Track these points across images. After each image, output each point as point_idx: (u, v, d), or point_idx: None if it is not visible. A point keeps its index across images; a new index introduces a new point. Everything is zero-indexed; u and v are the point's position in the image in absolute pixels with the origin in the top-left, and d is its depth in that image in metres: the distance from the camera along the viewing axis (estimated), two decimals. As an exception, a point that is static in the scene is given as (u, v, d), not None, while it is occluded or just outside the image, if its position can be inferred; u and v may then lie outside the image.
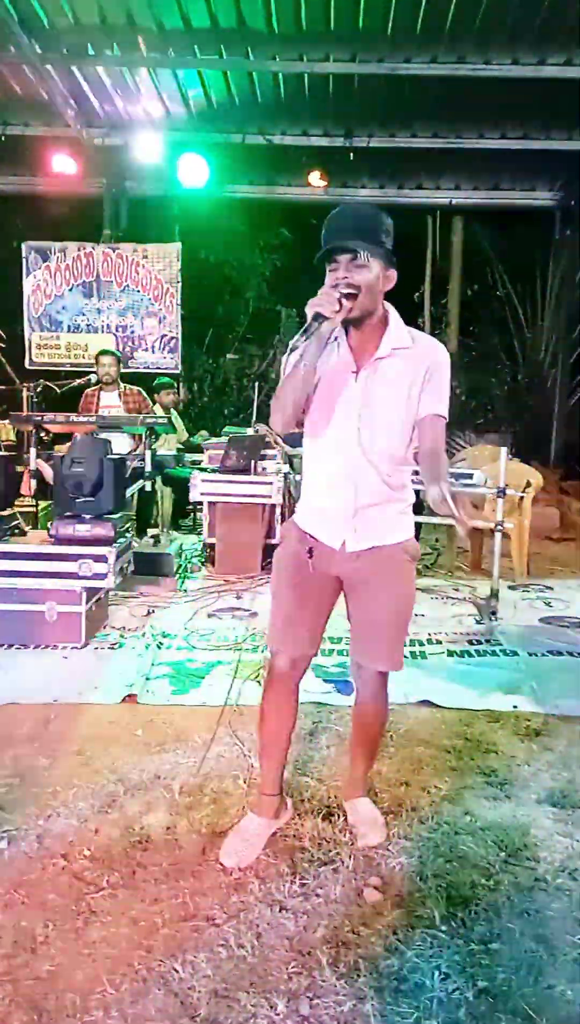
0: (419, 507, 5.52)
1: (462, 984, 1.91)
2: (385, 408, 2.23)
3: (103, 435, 6.04)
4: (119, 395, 6.72)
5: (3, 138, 8.77)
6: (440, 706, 3.53)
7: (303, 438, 2.40)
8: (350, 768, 2.68)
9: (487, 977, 1.94)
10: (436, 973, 1.94)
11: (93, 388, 6.80)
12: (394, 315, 2.26)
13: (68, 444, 5.31)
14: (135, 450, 6.13)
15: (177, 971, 1.94)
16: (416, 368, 2.22)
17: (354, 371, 2.24)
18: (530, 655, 4.24)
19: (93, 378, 6.90)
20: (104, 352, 6.95)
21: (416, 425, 2.25)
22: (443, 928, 2.11)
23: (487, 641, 4.46)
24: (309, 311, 2.13)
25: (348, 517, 2.30)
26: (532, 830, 2.58)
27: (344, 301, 2.12)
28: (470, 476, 5.45)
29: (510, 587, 5.58)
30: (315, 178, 8.97)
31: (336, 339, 2.26)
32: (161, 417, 6.60)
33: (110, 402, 6.68)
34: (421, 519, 5.48)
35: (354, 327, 2.24)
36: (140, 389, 6.90)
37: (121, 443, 6.23)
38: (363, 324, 2.22)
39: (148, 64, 7.42)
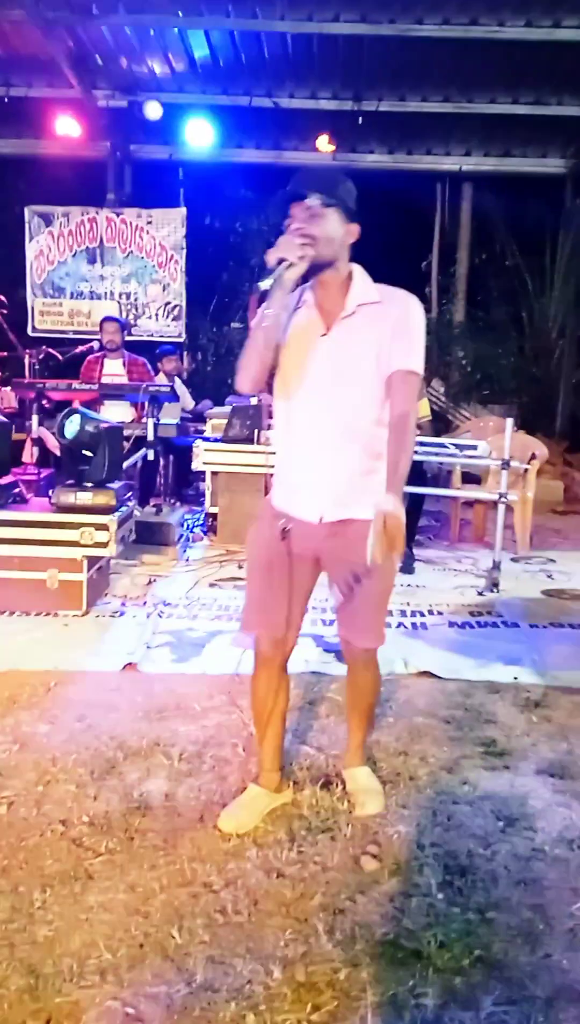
0: (422, 477, 5.51)
1: (458, 952, 1.92)
2: (355, 368, 2.17)
3: (106, 403, 6.03)
4: (123, 363, 6.67)
5: (6, 99, 8.63)
6: (440, 677, 3.53)
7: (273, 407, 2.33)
8: (347, 738, 2.68)
9: (483, 946, 1.94)
10: (432, 941, 1.94)
11: (96, 355, 6.74)
12: (359, 272, 2.22)
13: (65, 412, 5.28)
14: (137, 419, 6.09)
15: (174, 937, 1.95)
16: (384, 322, 2.15)
17: (323, 333, 2.19)
18: (531, 627, 4.24)
19: (96, 345, 6.84)
20: (108, 319, 6.89)
21: (387, 383, 2.16)
22: (440, 896, 2.12)
23: (488, 612, 4.45)
24: (271, 258, 2.09)
25: (324, 486, 2.23)
26: (530, 800, 2.58)
27: (307, 251, 2.08)
28: (474, 447, 5.41)
29: (512, 559, 5.56)
30: (323, 143, 8.82)
31: (304, 301, 2.22)
32: (164, 385, 6.55)
33: (114, 370, 6.63)
34: (424, 490, 5.48)
35: (320, 287, 2.20)
36: (145, 360, 6.85)
37: (123, 412, 6.19)
38: (328, 282, 2.19)
39: (154, 24, 7.27)
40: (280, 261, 2.07)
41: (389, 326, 2.15)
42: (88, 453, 4.27)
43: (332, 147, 8.86)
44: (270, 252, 2.10)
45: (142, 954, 1.90)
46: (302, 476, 2.28)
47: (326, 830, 2.38)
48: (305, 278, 2.17)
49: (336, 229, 2.13)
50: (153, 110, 8.40)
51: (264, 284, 2.09)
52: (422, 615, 4.37)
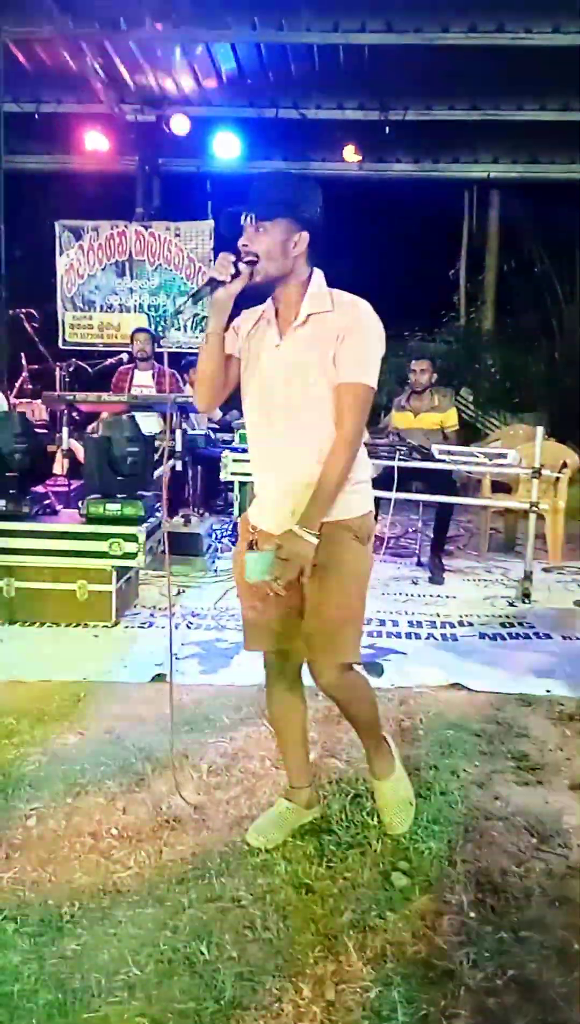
0: (452, 486, 5.45)
1: (491, 972, 1.88)
2: (306, 379, 2.11)
3: (134, 414, 6.05)
4: (153, 375, 6.71)
5: (36, 115, 8.75)
6: (471, 689, 3.48)
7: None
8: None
9: (517, 966, 1.91)
10: (465, 961, 1.91)
11: (127, 366, 6.79)
12: (316, 280, 2.15)
13: (98, 423, 5.31)
14: (165, 430, 6.11)
15: (203, 953, 1.93)
16: (330, 332, 2.09)
17: (276, 344, 2.16)
18: (564, 638, 4.17)
19: (125, 356, 6.88)
20: (140, 329, 6.94)
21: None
22: (472, 915, 2.08)
23: (520, 623, 4.40)
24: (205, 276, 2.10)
25: (282, 500, 2.16)
26: (565, 816, 2.53)
27: (241, 267, 2.06)
28: (504, 456, 5.36)
29: (544, 569, 5.49)
30: (350, 153, 8.84)
31: (264, 313, 2.20)
32: (192, 397, 6.57)
33: (143, 381, 6.66)
34: (453, 499, 5.44)
35: (278, 299, 2.17)
36: (174, 372, 6.88)
37: (151, 423, 6.22)
38: (283, 293, 2.16)
39: (181, 38, 7.34)
40: (209, 280, 2.08)
41: (335, 335, 2.08)
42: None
43: (358, 157, 8.88)
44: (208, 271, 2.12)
45: (171, 970, 1.88)
46: (264, 489, 2.26)
47: (356, 845, 2.35)
48: (262, 292, 2.17)
49: (278, 242, 2.09)
50: (180, 124, 8.48)
51: (180, 302, 2.13)
52: (452, 626, 4.33)
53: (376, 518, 5.86)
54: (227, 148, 8.78)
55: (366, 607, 2.29)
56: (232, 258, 2.07)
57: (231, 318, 2.17)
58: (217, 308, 2.10)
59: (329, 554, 2.12)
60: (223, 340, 2.17)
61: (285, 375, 2.14)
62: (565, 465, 5.93)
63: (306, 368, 2.11)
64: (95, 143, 8.87)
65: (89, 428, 6.00)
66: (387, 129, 8.57)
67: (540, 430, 5.10)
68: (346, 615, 2.22)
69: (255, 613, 2.29)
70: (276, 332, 2.17)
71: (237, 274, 2.06)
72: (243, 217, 2.09)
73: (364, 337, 2.11)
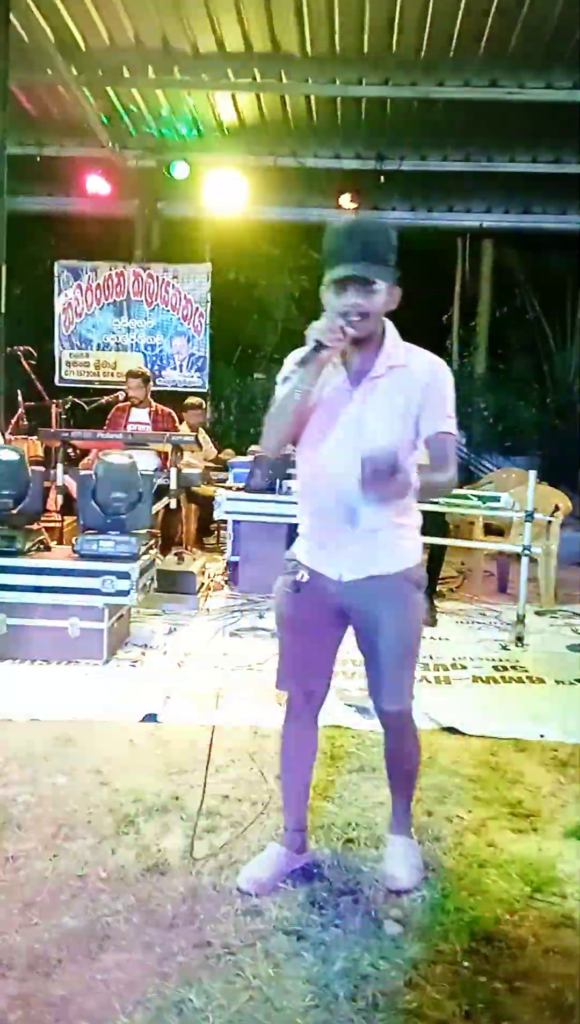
0: (444, 528, 5.48)
1: (485, 1023, 1.85)
2: (381, 430, 2.12)
3: (129, 451, 6.07)
4: (149, 413, 6.75)
5: (38, 159, 8.91)
6: (465, 733, 3.46)
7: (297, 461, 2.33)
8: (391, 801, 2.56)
9: (511, 1017, 1.87)
10: (458, 1011, 1.88)
11: (124, 404, 6.83)
12: (390, 331, 2.19)
13: (91, 459, 5.31)
14: (161, 468, 6.13)
15: (192, 1000, 1.89)
16: (411, 388, 2.14)
17: (349, 391, 2.16)
18: (557, 683, 4.16)
19: (121, 395, 6.93)
20: (132, 374, 6.98)
21: (425, 445, 2.18)
22: (466, 964, 2.05)
23: (513, 667, 4.39)
24: (309, 336, 2.08)
25: (344, 546, 2.20)
26: (559, 864, 2.50)
27: (347, 330, 2.07)
28: (497, 499, 5.39)
29: (537, 613, 5.49)
30: (346, 200, 9.01)
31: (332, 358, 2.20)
32: (188, 435, 6.61)
33: (140, 419, 6.70)
34: (446, 541, 5.46)
35: (353, 347, 2.17)
36: (171, 411, 6.92)
37: (147, 460, 6.24)
38: (361, 349, 2.17)
39: (182, 86, 7.52)
40: (317, 345, 2.07)
41: (417, 392, 2.13)
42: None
43: (355, 205, 9.05)
44: (311, 329, 2.08)
45: (159, 1017, 1.84)
46: (324, 534, 2.26)
47: (348, 892, 2.32)
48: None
49: (384, 302, 2.11)
50: (181, 170, 8.64)
51: (290, 372, 2.15)
52: (446, 669, 4.31)
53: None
54: (226, 194, 8.94)
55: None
56: (341, 322, 2.05)
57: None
58: (317, 368, 2.10)
59: (394, 603, 2.22)
60: (311, 397, 2.15)
61: (359, 424, 2.14)
62: (557, 508, 5.97)
63: (383, 419, 2.13)
64: (96, 186, 9.03)
65: (82, 464, 6.02)
66: (382, 178, 8.76)
67: (532, 474, 5.14)
68: (410, 662, 2.34)
69: (296, 648, 2.35)
70: (346, 379, 2.17)
71: (344, 337, 2.07)
72: (370, 281, 2.06)
73: (445, 391, 2.19)
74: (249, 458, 6.29)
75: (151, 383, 7.11)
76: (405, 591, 2.24)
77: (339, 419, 2.17)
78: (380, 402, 2.15)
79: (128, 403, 6.81)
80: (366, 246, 2.08)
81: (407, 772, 2.49)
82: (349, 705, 3.68)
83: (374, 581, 2.20)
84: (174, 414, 6.95)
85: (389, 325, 2.20)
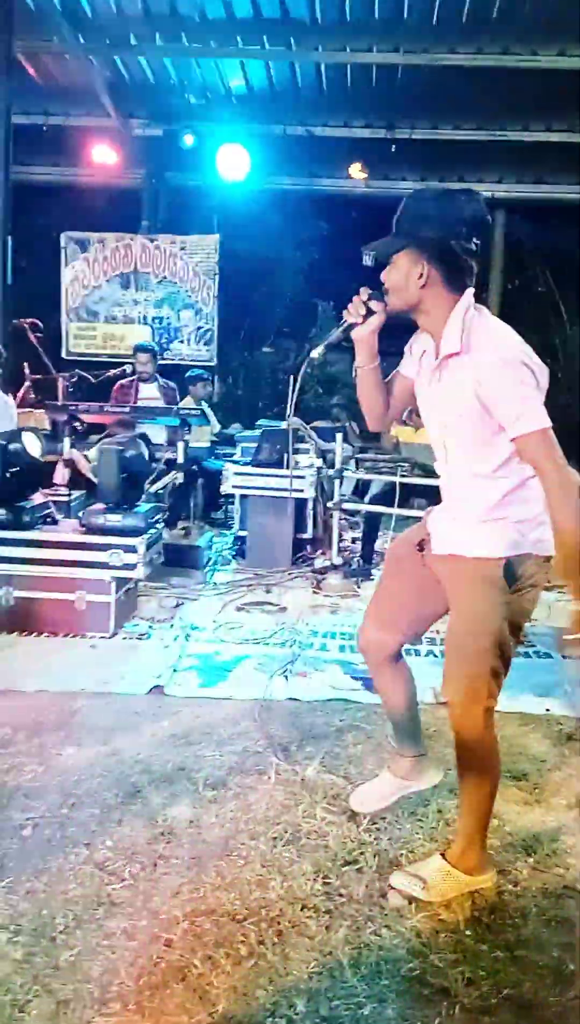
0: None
1: (486, 991, 1.87)
2: (452, 417, 2.09)
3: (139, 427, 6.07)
4: (158, 387, 6.74)
5: (44, 128, 8.82)
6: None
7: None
8: None
9: (512, 985, 1.89)
10: (460, 979, 1.90)
11: (130, 378, 6.81)
12: (455, 314, 2.05)
13: (104, 436, 5.31)
14: (170, 442, 6.13)
15: (196, 966, 1.92)
16: (465, 381, 2.02)
17: (429, 377, 2.15)
18: (564, 658, 4.16)
19: (128, 368, 6.91)
20: (140, 348, 6.95)
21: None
22: (468, 933, 2.07)
23: (519, 642, 4.38)
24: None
25: (441, 520, 2.22)
26: (561, 836, 2.52)
27: (372, 304, 2.08)
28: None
29: (545, 587, 5.48)
30: (356, 170, 8.91)
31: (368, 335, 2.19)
32: (194, 409, 6.59)
33: (149, 394, 6.70)
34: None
35: (428, 330, 2.13)
36: (174, 386, 6.91)
37: (155, 435, 6.23)
38: (426, 325, 2.12)
39: (190, 54, 7.41)
40: (346, 326, 2.12)
41: (471, 386, 2.01)
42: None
43: (365, 175, 8.94)
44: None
45: (164, 983, 1.87)
46: (437, 504, 2.31)
47: (352, 862, 2.34)
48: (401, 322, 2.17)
49: (402, 276, 2.05)
50: (188, 139, 8.54)
51: (314, 353, 2.17)
52: None
53: (377, 535, 5.86)
54: (234, 163, 8.84)
55: (499, 657, 2.16)
56: (363, 298, 2.08)
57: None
58: (359, 345, 2.15)
59: (460, 587, 2.15)
60: (373, 373, 2.20)
61: (438, 411, 2.16)
62: (566, 484, 5.93)
63: (450, 408, 2.10)
64: (103, 156, 8.94)
65: (96, 439, 6.02)
66: (393, 147, 8.64)
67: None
68: (466, 653, 2.15)
69: (386, 593, 2.39)
70: (432, 362, 2.14)
71: (370, 313, 2.09)
72: (365, 256, 2.06)
73: (504, 385, 1.98)
74: (256, 432, 6.28)
75: (158, 356, 7.10)
76: (476, 579, 2.10)
77: (426, 404, 2.21)
78: (446, 392, 2.10)
79: (133, 378, 6.79)
80: (399, 217, 2.07)
81: (472, 784, 2.23)
82: (355, 678, 3.69)
83: (452, 560, 2.15)
84: (176, 388, 6.94)
85: (458, 306, 2.05)
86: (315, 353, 2.17)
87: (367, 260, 2.06)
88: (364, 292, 2.09)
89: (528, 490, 2.08)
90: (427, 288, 2.05)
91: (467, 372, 2.02)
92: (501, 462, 2.07)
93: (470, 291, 2.08)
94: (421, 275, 2.03)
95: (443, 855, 2.24)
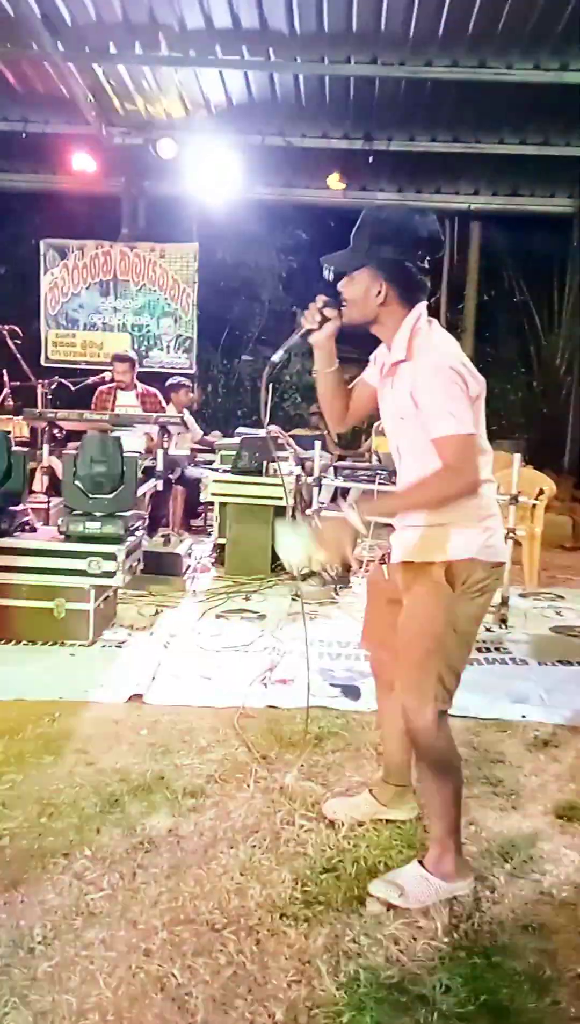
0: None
1: (464, 998, 1.88)
2: (399, 424, 2.23)
3: (117, 433, 6.05)
4: (136, 395, 6.74)
5: (24, 135, 8.80)
6: (448, 714, 3.48)
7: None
8: None
9: (489, 991, 1.91)
10: (438, 986, 1.91)
11: (109, 385, 6.80)
12: (404, 325, 2.16)
13: (79, 442, 5.30)
14: (149, 450, 6.12)
15: (175, 976, 1.92)
16: (406, 386, 2.14)
17: (384, 386, 2.27)
18: (540, 664, 4.20)
19: (108, 375, 6.90)
20: (120, 358, 6.95)
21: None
22: (445, 940, 2.08)
23: (496, 649, 4.42)
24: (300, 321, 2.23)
25: (397, 529, 2.30)
26: (538, 843, 2.54)
27: (326, 311, 2.20)
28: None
29: (520, 595, 5.53)
30: (334, 180, 8.96)
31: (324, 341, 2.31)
32: (175, 416, 6.60)
33: (127, 401, 6.69)
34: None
35: (382, 340, 2.27)
36: (157, 391, 6.91)
37: (135, 442, 6.22)
38: (380, 336, 2.25)
39: (169, 63, 7.42)
40: (304, 332, 2.22)
41: (409, 390, 2.12)
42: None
43: (343, 185, 8.99)
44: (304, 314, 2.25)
45: (143, 993, 1.87)
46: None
47: (331, 870, 2.35)
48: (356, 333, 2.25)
49: (360, 291, 2.17)
50: (167, 148, 8.55)
51: (276, 358, 2.27)
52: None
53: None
54: (213, 173, 8.86)
55: (447, 660, 2.20)
56: (318, 305, 2.21)
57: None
58: (317, 350, 2.28)
59: (415, 591, 2.20)
60: (331, 376, 2.34)
61: (388, 415, 2.28)
62: (542, 492, 6.00)
63: (397, 415, 2.22)
64: (82, 164, 8.92)
65: (71, 446, 6.00)
66: (371, 159, 8.70)
67: (518, 457, 5.16)
68: (421, 656, 2.18)
69: (369, 612, 2.51)
70: (385, 371, 2.25)
71: (324, 320, 2.21)
72: (325, 270, 2.18)
73: (433, 389, 2.07)
74: (236, 440, 6.29)
75: (137, 364, 7.09)
76: (432, 582, 2.15)
77: (382, 412, 2.32)
78: (394, 399, 2.22)
79: (114, 385, 6.78)
80: (356, 234, 2.18)
81: (430, 790, 2.29)
82: (334, 685, 3.71)
83: (406, 567, 2.25)
84: (160, 394, 6.94)
85: (408, 317, 2.16)
86: (275, 357, 2.28)
87: (327, 274, 2.18)
88: (320, 300, 2.22)
89: (476, 497, 2.16)
90: (384, 304, 2.17)
91: (407, 377, 2.14)
92: None
93: (421, 304, 2.19)
94: (379, 292, 2.16)
95: (420, 862, 2.26)
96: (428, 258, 2.17)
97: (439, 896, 2.20)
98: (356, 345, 2.45)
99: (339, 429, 2.51)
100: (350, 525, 2.14)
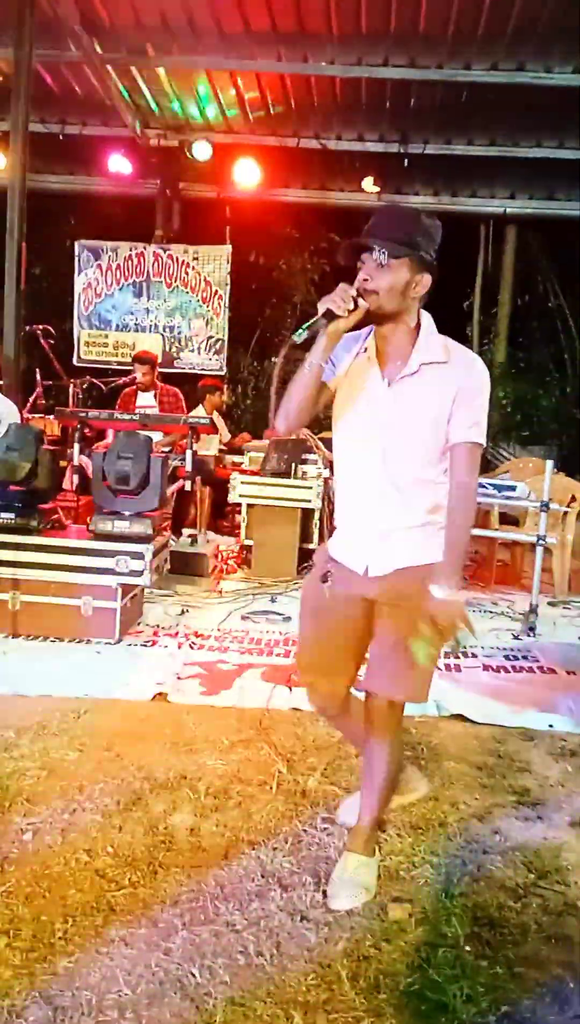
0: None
1: (485, 1007, 1.86)
2: (412, 430, 2.11)
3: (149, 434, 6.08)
4: (154, 395, 6.78)
5: (61, 136, 8.89)
6: (473, 721, 3.46)
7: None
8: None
9: (511, 1002, 1.88)
10: (459, 994, 1.89)
11: (131, 388, 6.85)
12: (426, 324, 2.14)
13: (106, 441, 5.33)
14: (174, 450, 6.14)
15: (194, 975, 1.92)
16: (446, 388, 2.08)
17: (384, 386, 2.13)
18: (568, 673, 4.15)
19: (137, 375, 6.94)
20: (140, 360, 6.98)
21: (449, 451, 2.12)
22: (468, 948, 2.06)
23: (524, 657, 4.38)
24: (321, 306, 2.05)
25: (370, 542, 2.19)
26: (563, 853, 2.51)
27: (360, 300, 2.04)
28: (513, 488, 5.36)
29: (550, 603, 5.48)
30: (368, 184, 8.94)
31: (366, 349, 2.17)
32: (203, 417, 6.61)
33: (146, 402, 6.73)
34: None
35: (383, 337, 2.15)
36: (177, 390, 6.93)
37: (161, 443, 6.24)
38: (392, 333, 2.13)
39: (207, 66, 7.46)
40: (326, 312, 2.04)
41: (453, 392, 2.07)
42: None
43: (377, 188, 8.97)
44: (322, 300, 2.06)
45: (161, 991, 1.87)
46: (353, 526, 2.25)
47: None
48: (362, 325, 2.14)
49: (402, 281, 2.06)
50: (202, 150, 8.59)
51: (297, 336, 2.06)
52: (456, 656, 4.30)
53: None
54: (247, 175, 8.89)
55: None
56: (353, 291, 2.04)
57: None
58: (327, 340, 2.07)
59: (419, 593, 2.10)
60: (320, 371, 2.12)
61: (391, 420, 2.12)
62: (574, 499, 5.93)
63: (417, 417, 2.10)
64: (118, 166, 8.99)
65: (97, 445, 6.03)
66: (406, 162, 8.67)
67: (549, 464, 5.11)
68: (427, 656, 2.18)
69: (315, 640, 2.35)
70: (380, 373, 2.14)
71: (355, 308, 2.04)
72: (376, 251, 2.04)
73: (480, 397, 2.11)
74: (265, 442, 6.29)
75: (157, 367, 7.11)
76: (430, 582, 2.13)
77: (370, 418, 2.14)
78: (413, 401, 2.10)
79: (134, 387, 6.82)
80: (390, 222, 2.11)
81: (384, 779, 2.35)
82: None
83: (402, 572, 2.16)
84: (180, 393, 6.96)
85: (426, 319, 2.15)
86: (296, 336, 2.08)
87: (378, 254, 2.04)
88: (357, 283, 2.06)
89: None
90: (414, 300, 2.12)
91: (444, 381, 2.08)
92: (444, 468, 2.16)
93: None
94: (416, 285, 2.09)
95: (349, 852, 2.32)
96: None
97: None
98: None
99: (295, 428, 2.24)
100: (457, 601, 2.07)
